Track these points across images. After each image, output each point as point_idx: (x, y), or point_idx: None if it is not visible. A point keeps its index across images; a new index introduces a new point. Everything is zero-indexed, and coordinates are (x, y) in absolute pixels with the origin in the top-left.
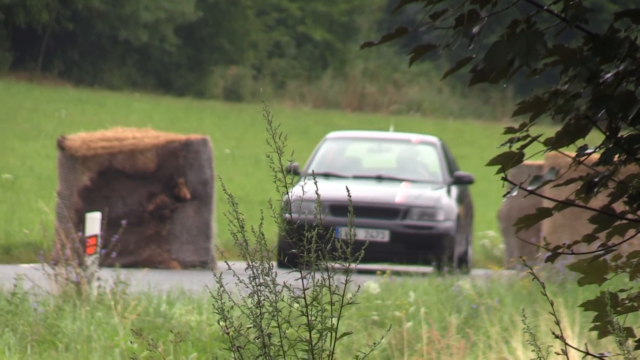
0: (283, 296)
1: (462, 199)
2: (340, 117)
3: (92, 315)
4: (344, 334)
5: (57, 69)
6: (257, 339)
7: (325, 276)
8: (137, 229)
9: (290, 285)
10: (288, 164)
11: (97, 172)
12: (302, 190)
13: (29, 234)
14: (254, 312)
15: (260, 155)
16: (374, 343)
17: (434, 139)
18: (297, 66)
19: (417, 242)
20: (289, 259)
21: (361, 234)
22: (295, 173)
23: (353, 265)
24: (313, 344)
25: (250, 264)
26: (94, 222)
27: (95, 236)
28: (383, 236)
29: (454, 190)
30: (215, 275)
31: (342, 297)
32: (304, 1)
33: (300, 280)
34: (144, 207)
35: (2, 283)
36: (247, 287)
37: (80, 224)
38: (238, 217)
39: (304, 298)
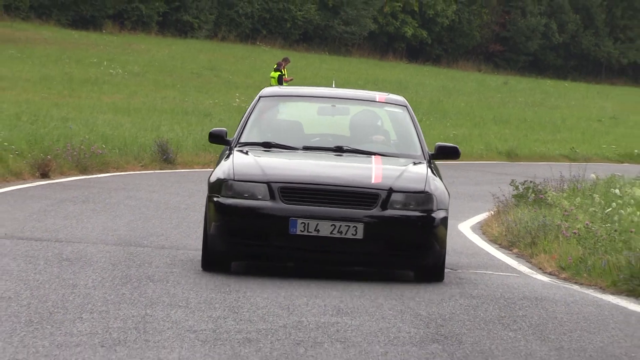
0: None
1: (442, 177)
2: None
3: None
4: None
5: None
6: None
7: None
8: None
9: None
10: (213, 129)
11: None
12: (232, 165)
13: None
14: None
15: None
16: None
17: (402, 97)
18: None
19: (400, 240)
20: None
21: (325, 229)
22: (221, 141)
23: None
24: None
25: None
26: None
27: None
28: (355, 232)
29: (434, 166)
30: None
31: None
32: None
33: None
34: None
35: None
36: None
37: None
38: None
39: None
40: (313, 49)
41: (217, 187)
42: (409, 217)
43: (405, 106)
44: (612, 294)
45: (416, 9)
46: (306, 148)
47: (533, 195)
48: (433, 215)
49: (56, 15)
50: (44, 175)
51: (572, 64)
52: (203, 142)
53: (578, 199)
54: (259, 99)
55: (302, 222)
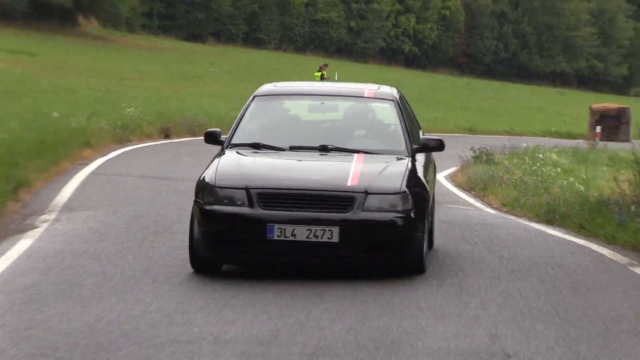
0: None
1: (428, 169)
2: None
3: None
4: None
5: None
6: None
7: None
8: None
9: None
10: (209, 129)
11: None
12: (215, 170)
13: None
14: None
15: None
16: None
17: (391, 91)
18: None
19: (376, 242)
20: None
21: (301, 234)
22: (215, 141)
23: None
24: None
25: None
26: None
27: None
28: (331, 236)
29: (420, 159)
30: None
31: None
32: None
33: None
34: None
35: None
36: None
37: None
38: None
39: None
40: (343, 58)
41: (201, 191)
42: (385, 219)
43: (393, 100)
44: (537, 222)
45: (411, 33)
46: (292, 148)
47: (485, 157)
48: (410, 215)
49: (175, 32)
50: (167, 137)
51: (513, 72)
52: None
53: (515, 160)
54: (253, 98)
55: (279, 228)
